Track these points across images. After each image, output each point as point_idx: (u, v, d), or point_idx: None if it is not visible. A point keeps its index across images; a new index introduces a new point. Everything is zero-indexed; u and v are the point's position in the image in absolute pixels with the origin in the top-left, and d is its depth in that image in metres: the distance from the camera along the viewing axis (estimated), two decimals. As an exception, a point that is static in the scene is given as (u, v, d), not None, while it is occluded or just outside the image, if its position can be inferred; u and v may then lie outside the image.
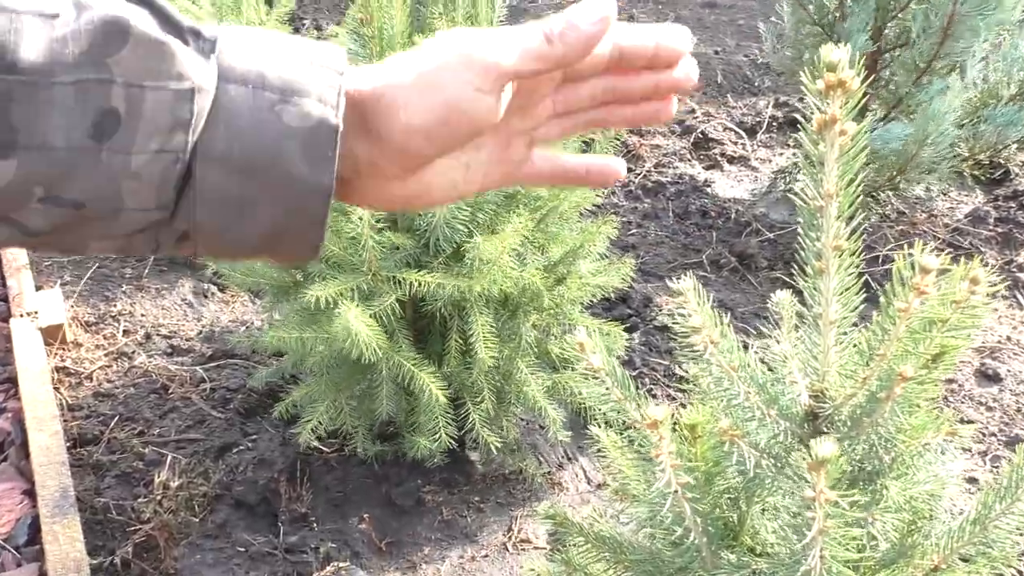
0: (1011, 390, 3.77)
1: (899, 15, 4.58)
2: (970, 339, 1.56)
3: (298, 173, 0.76)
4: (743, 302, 4.28)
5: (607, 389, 1.82)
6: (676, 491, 1.52)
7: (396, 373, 2.58)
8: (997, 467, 3.38)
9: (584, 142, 2.82)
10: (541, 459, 3.29)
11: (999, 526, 1.62)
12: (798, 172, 5.02)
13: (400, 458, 3.09)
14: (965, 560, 1.77)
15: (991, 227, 4.93)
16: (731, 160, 5.76)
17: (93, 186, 0.72)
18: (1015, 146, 5.19)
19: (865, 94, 1.32)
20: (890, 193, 5.00)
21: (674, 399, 3.57)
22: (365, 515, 2.95)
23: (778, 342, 1.89)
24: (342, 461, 3.17)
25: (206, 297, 4.21)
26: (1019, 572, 2.38)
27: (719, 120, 6.18)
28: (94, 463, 3.18)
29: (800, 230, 1.60)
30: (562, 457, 3.32)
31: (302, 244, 0.82)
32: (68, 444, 3.17)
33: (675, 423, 1.86)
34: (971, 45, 4.28)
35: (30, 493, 2.95)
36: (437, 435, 2.61)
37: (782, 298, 1.96)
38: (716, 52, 7.51)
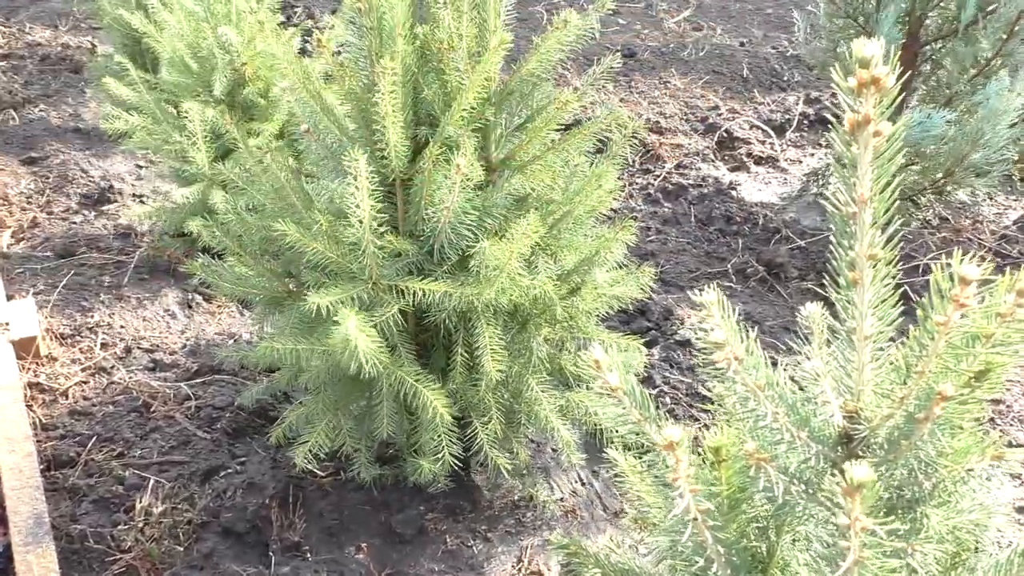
0: (1063, 411, 3.78)
1: (941, 3, 4.60)
2: (1017, 356, 1.58)
3: None
4: (771, 315, 4.30)
5: (624, 409, 1.84)
6: (696, 518, 1.54)
7: (398, 390, 2.60)
8: (1048, 495, 3.38)
9: (600, 141, 2.85)
10: (553, 484, 3.30)
11: (1050, 558, 1.63)
12: (831, 174, 5.03)
13: (401, 483, 3.11)
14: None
15: (1042, 233, 4.94)
16: (758, 161, 5.78)
17: None
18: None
19: (903, 90, 1.34)
20: (932, 197, 5.02)
21: (697, 420, 3.58)
22: (363, 544, 2.97)
23: (808, 359, 1.91)
24: (338, 486, 3.19)
25: (191, 307, 4.24)
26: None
27: (745, 117, 6.20)
28: (70, 487, 3.20)
29: (832, 238, 1.62)
30: (575, 482, 3.33)
31: None
32: (42, 466, 3.20)
33: (697, 446, 1.88)
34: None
35: (1, 519, 2.97)
36: (441, 456, 2.63)
37: (812, 311, 1.98)
38: (742, 44, 7.54)
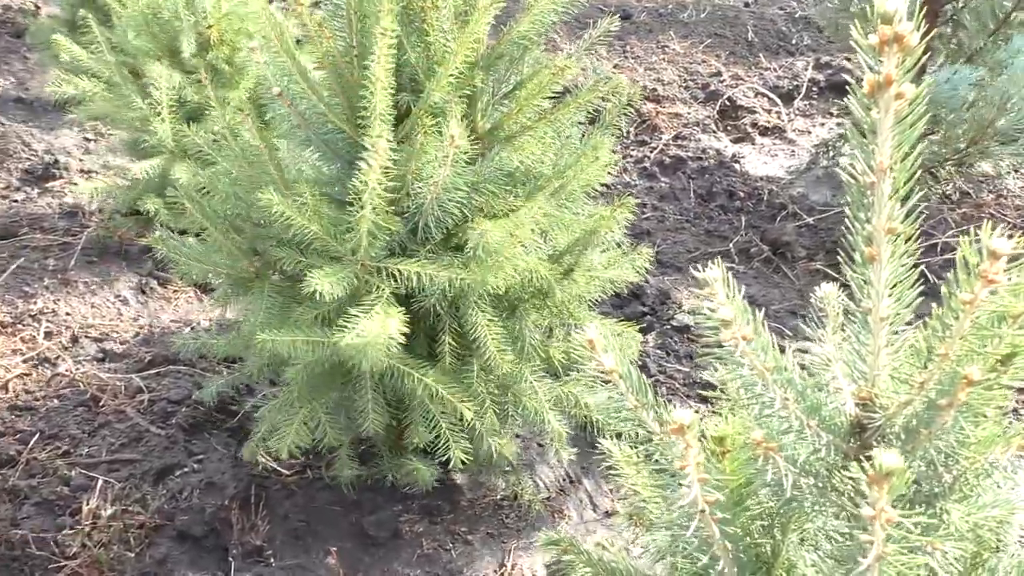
0: (1094, 401, 3.80)
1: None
2: (1046, 337, 1.58)
3: None
4: (777, 298, 4.30)
5: (620, 395, 1.83)
6: (704, 510, 1.53)
7: (381, 379, 2.59)
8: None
9: (591, 111, 2.83)
10: (539, 482, 3.30)
11: (1079, 558, 1.64)
12: (843, 145, 5.04)
13: (374, 482, 3.10)
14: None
15: (1069, 208, 4.97)
16: (764, 131, 5.79)
17: None
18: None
19: (926, 50, 1.33)
20: (952, 170, 5.03)
21: (696, 410, 3.58)
22: (332, 548, 2.95)
23: (821, 343, 1.91)
24: (305, 485, 3.18)
25: (144, 293, 4.22)
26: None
27: (750, 84, 6.20)
28: (10, 488, 3.18)
29: (847, 211, 1.61)
30: (563, 479, 3.33)
31: None
32: (-20, 466, 3.18)
33: (701, 435, 1.87)
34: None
35: (-65, 523, 2.95)
36: (442, 451, 2.64)
37: (828, 292, 1.97)
38: (747, 4, 7.54)
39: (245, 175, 2.70)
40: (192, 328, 3.99)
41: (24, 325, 3.96)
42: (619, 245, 3.13)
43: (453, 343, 2.66)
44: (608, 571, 1.95)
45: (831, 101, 6.17)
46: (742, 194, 5.11)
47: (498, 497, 3.22)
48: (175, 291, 4.24)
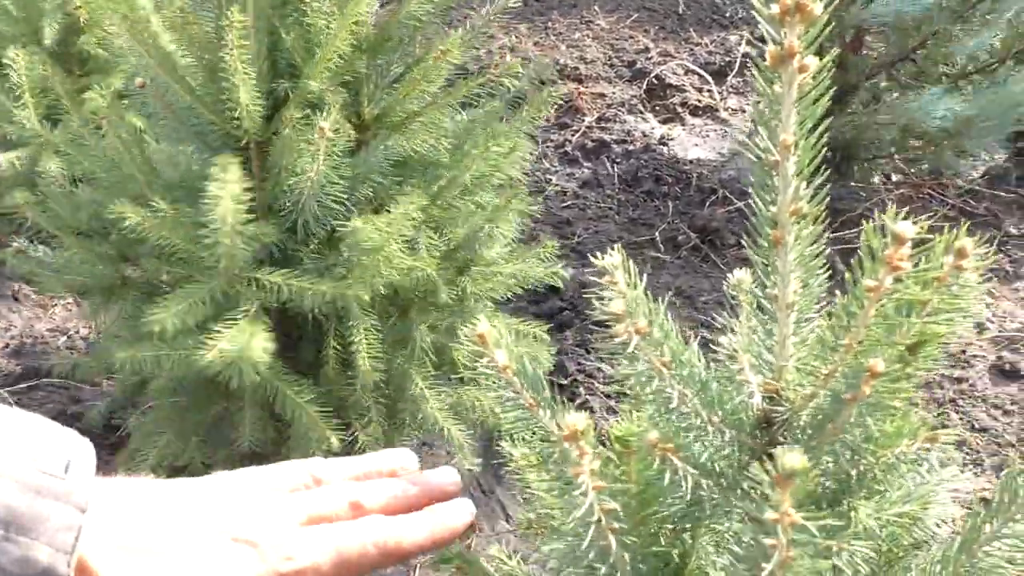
0: (1034, 389, 3.91)
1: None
2: (954, 325, 1.63)
3: None
4: (707, 288, 4.37)
5: (515, 394, 1.85)
6: (600, 520, 1.55)
7: (261, 394, 2.59)
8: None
9: (518, 96, 2.86)
10: (450, 494, 3.31)
11: (990, 552, 1.69)
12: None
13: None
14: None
15: (1013, 187, 5.09)
16: (694, 111, 5.86)
17: None
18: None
19: (828, 22, 1.36)
20: (895, 155, 5.14)
21: (616, 412, 3.63)
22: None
23: (734, 332, 1.94)
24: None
25: (16, 300, 4.16)
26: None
27: (679, 61, 6.27)
28: None
29: (753, 192, 1.65)
30: (475, 490, 3.36)
31: None
32: None
33: (605, 437, 1.90)
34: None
35: None
36: None
37: (741, 278, 2.00)
38: (676, -25, 7.62)
39: (112, 177, 2.68)
40: (69, 337, 3.95)
41: None
42: (530, 239, 3.16)
43: (338, 348, 2.67)
44: (508, 586, 1.96)
45: (765, 78, 6.25)
46: (670, 179, 5.17)
47: (406, 510, 3.22)
48: (51, 298, 4.19)
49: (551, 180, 5.13)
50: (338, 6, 2.56)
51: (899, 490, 1.81)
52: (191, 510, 0.92)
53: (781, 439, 1.70)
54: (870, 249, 1.43)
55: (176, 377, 2.66)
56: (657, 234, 4.76)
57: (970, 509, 3.36)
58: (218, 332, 2.37)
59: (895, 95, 4.72)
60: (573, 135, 5.51)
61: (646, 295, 1.82)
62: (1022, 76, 4.47)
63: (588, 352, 3.91)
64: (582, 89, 5.94)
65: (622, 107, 5.82)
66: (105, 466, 2.70)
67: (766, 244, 1.61)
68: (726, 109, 5.95)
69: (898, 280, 1.45)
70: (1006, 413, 3.80)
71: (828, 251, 1.50)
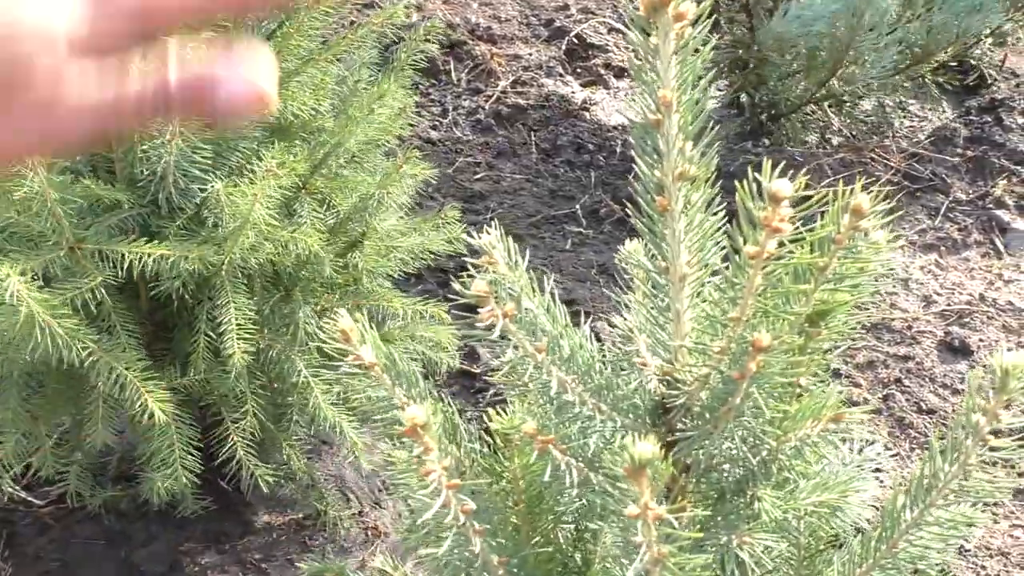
0: (984, 367, 3.93)
1: None
2: (861, 292, 1.61)
3: None
4: (632, 265, 4.34)
5: (385, 391, 1.82)
6: (463, 523, 1.52)
7: (114, 387, 2.53)
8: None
9: (429, 59, 2.84)
10: (350, 496, 3.28)
11: (911, 541, 1.68)
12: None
13: (145, 508, 3.04)
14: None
15: (960, 149, 5.12)
16: (619, 73, 5.83)
17: None
18: (989, 42, 5.40)
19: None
20: (830, 110, 5.15)
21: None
22: (94, 591, 2.90)
23: (627, 311, 1.92)
24: (62, 517, 3.10)
25: None
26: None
27: (602, 18, 6.25)
28: None
29: (635, 155, 1.62)
30: (379, 491, 3.32)
31: None
32: None
33: (486, 430, 1.87)
34: None
35: None
36: (173, 470, 2.57)
37: (632, 249, 1.97)
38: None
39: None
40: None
41: None
42: (440, 211, 3.12)
43: (211, 334, 2.62)
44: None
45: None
46: (592, 147, 5.15)
47: (300, 516, 3.19)
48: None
49: (462, 150, 5.09)
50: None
51: (814, 478, 1.80)
52: None
53: (681, 426, 1.68)
54: (747, 212, 1.40)
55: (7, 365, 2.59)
56: (578, 207, 4.73)
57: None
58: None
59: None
60: (486, 101, 5.46)
61: (530, 275, 1.80)
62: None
63: (504, 337, 3.88)
64: (496, 50, 5.88)
65: (540, 69, 5.78)
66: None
67: (652, 212, 1.60)
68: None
69: (783, 245, 1.43)
70: (955, 392, 3.82)
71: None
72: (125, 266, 2.45)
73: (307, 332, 2.73)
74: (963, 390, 3.84)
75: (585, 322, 1.79)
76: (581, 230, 4.58)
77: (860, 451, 1.93)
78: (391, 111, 2.84)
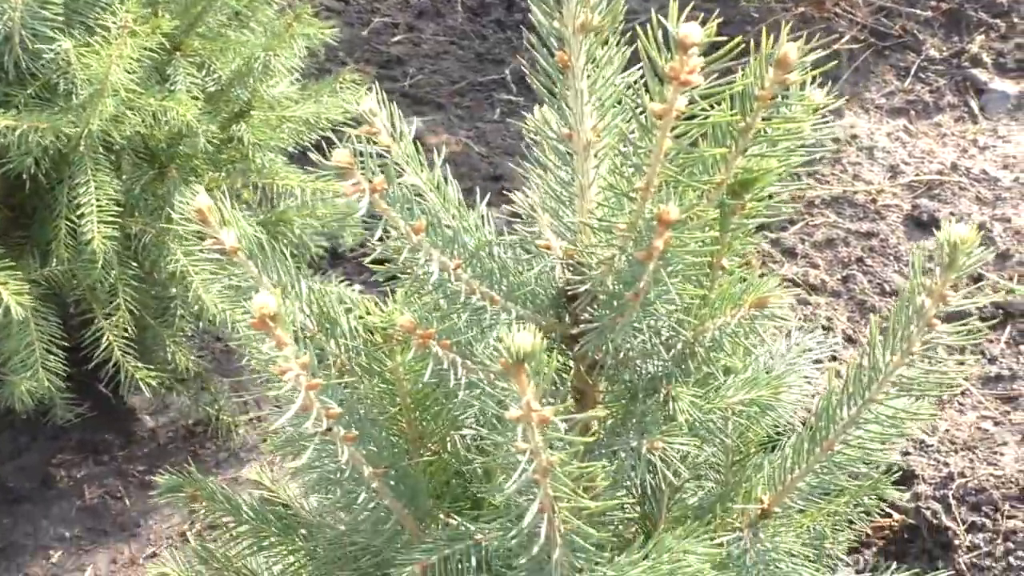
0: (954, 242, 3.87)
1: None
2: (792, 157, 1.51)
3: None
4: (567, 137, 4.25)
5: (250, 278, 1.73)
6: (329, 429, 1.43)
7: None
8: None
9: None
10: (248, 400, 3.22)
11: (848, 442, 1.60)
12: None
13: (9, 417, 2.95)
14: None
15: (934, 2, 5.01)
16: (557, -80, 5.68)
17: None
18: None
19: None
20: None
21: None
22: (-44, 510, 2.83)
23: (529, 188, 1.81)
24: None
25: None
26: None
27: None
28: None
29: (530, 2, 1.51)
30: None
31: None
32: None
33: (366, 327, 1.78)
34: None
35: None
36: (34, 372, 2.49)
37: (542, 115, 1.85)
38: None
39: None
40: None
41: None
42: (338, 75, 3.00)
43: (71, 220, 2.52)
44: (259, 518, 1.85)
45: None
46: (525, 4, 5.01)
47: (191, 423, 3.13)
48: None
49: (378, 9, 4.95)
50: None
51: (743, 374, 1.72)
52: None
53: (587, 317, 1.58)
54: (652, 63, 1.29)
55: None
56: (508, 72, 4.63)
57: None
58: None
59: None
60: (405, -46, 5.32)
61: (417, 148, 1.70)
62: None
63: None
64: None
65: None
66: None
67: (551, 70, 1.48)
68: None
69: (695, 102, 1.32)
70: (923, 272, 3.75)
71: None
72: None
73: (182, 213, 2.63)
74: (932, 269, 3.77)
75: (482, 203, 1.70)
76: (511, 97, 4.48)
77: (795, 340, 1.86)
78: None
